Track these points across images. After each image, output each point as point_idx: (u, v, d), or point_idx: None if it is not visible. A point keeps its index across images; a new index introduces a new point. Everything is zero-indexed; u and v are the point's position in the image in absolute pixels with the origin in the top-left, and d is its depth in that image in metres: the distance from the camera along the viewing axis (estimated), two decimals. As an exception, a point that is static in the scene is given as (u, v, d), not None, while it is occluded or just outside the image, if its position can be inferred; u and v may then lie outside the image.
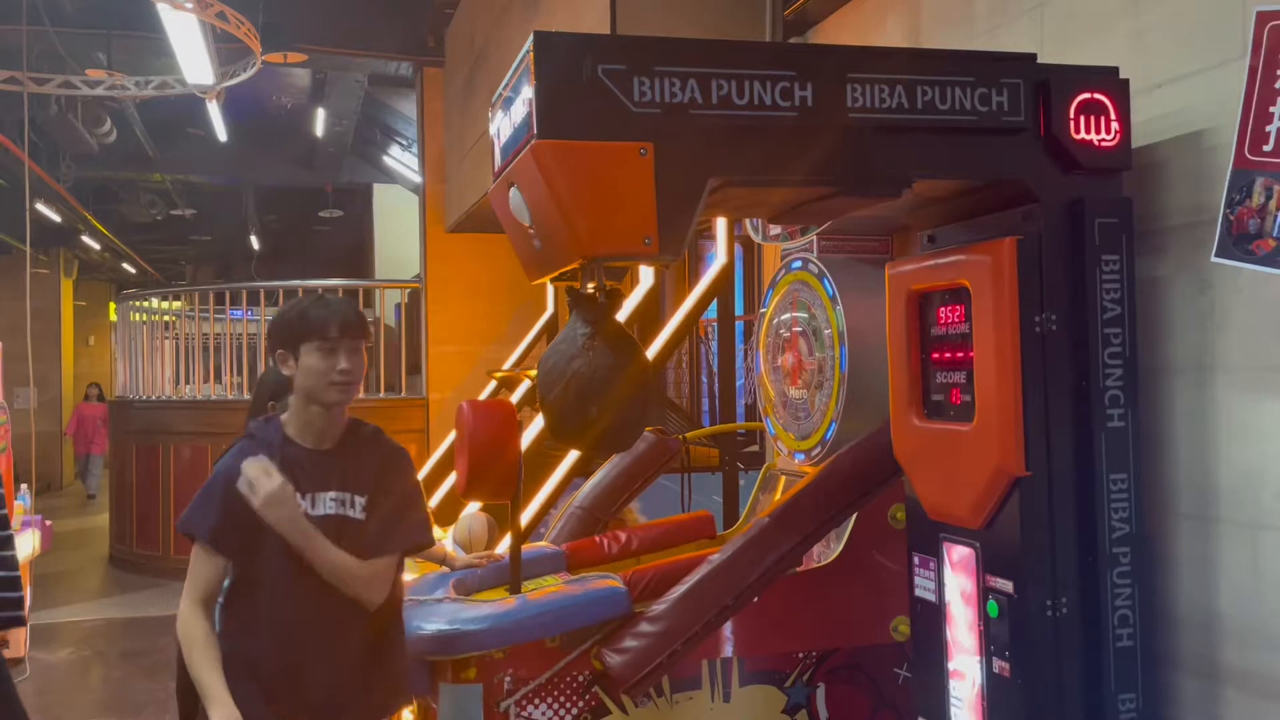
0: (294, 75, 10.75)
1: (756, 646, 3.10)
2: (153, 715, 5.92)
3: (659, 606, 2.93)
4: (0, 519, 3.06)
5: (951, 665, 2.64)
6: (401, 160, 12.90)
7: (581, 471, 4.47)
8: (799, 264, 3.60)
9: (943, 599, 2.66)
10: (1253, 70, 2.27)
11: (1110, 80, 2.51)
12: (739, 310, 6.39)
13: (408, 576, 3.69)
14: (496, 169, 2.67)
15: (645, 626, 2.89)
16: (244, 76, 8.29)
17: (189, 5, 6.58)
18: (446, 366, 8.67)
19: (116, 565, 10.57)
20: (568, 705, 2.94)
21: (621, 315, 3.21)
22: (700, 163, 2.32)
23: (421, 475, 6.23)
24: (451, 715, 2.91)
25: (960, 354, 2.57)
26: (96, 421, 15.69)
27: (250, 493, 2.46)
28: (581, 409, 2.43)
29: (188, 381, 10.48)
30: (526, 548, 3.67)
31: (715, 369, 6.62)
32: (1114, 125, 2.48)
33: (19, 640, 6.53)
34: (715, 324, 6.37)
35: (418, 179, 9.54)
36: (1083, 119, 2.46)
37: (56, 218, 14.03)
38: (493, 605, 3.07)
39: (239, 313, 10.06)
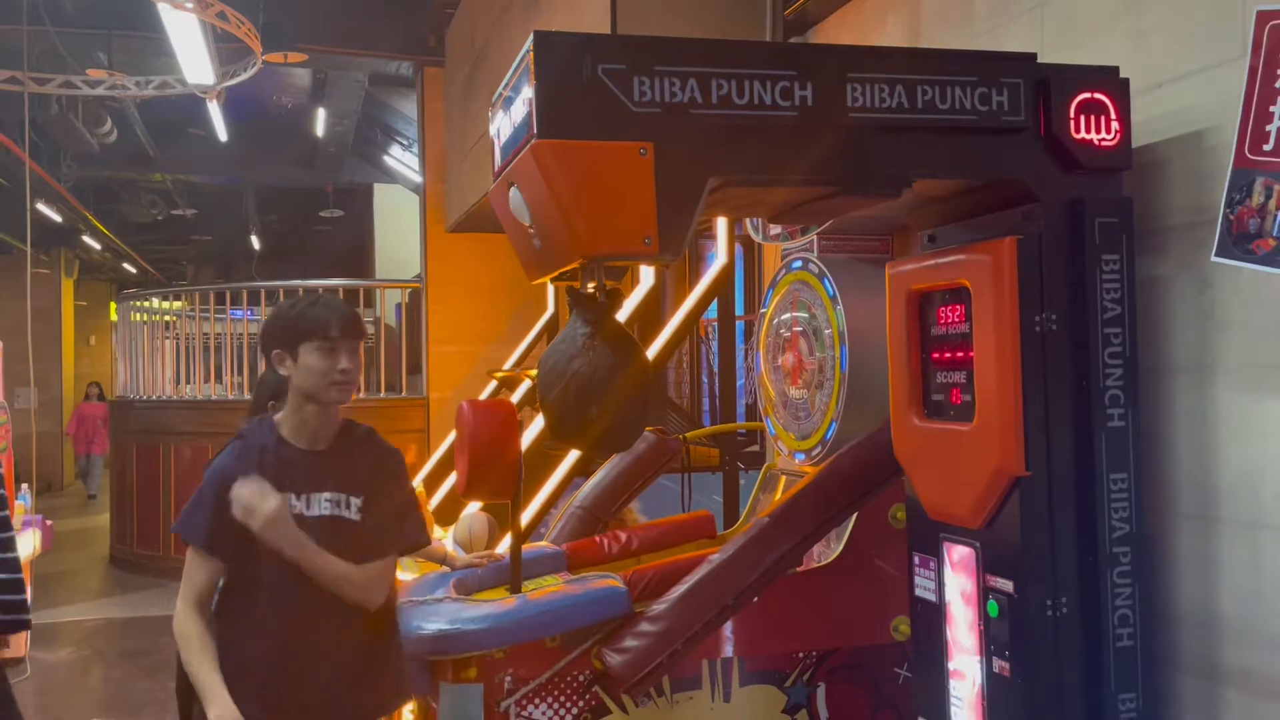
0: (294, 75, 10.76)
1: (757, 646, 3.10)
2: (153, 715, 5.93)
3: (659, 606, 2.93)
4: (2, 520, 3.03)
5: (952, 665, 2.64)
6: (402, 160, 12.90)
7: (582, 471, 4.47)
8: (799, 264, 3.60)
9: (943, 599, 2.66)
10: (1253, 70, 2.26)
11: (1110, 80, 2.51)
12: (739, 310, 6.39)
13: (408, 576, 3.70)
14: (496, 169, 2.67)
15: (645, 626, 2.89)
16: (244, 76, 8.30)
17: (189, 5, 6.58)
18: (447, 366, 8.67)
19: (117, 565, 10.57)
20: (568, 705, 2.94)
21: (622, 315, 3.22)
22: (700, 162, 2.32)
23: (422, 475, 6.25)
24: (452, 715, 2.91)
25: (960, 354, 2.57)
26: (97, 421, 15.70)
27: (248, 517, 2.46)
28: (581, 409, 2.43)
29: (188, 381, 10.49)
30: (527, 547, 3.67)
31: (716, 369, 6.62)
32: (1114, 125, 2.48)
33: (19, 640, 6.52)
34: (716, 324, 6.37)
35: (418, 179, 9.54)
36: (1083, 118, 2.46)
37: (57, 218, 14.05)
38: (493, 605, 3.07)
39: (239, 313, 10.07)
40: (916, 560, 2.77)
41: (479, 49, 7.15)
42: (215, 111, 10.37)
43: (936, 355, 2.67)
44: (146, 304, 11.28)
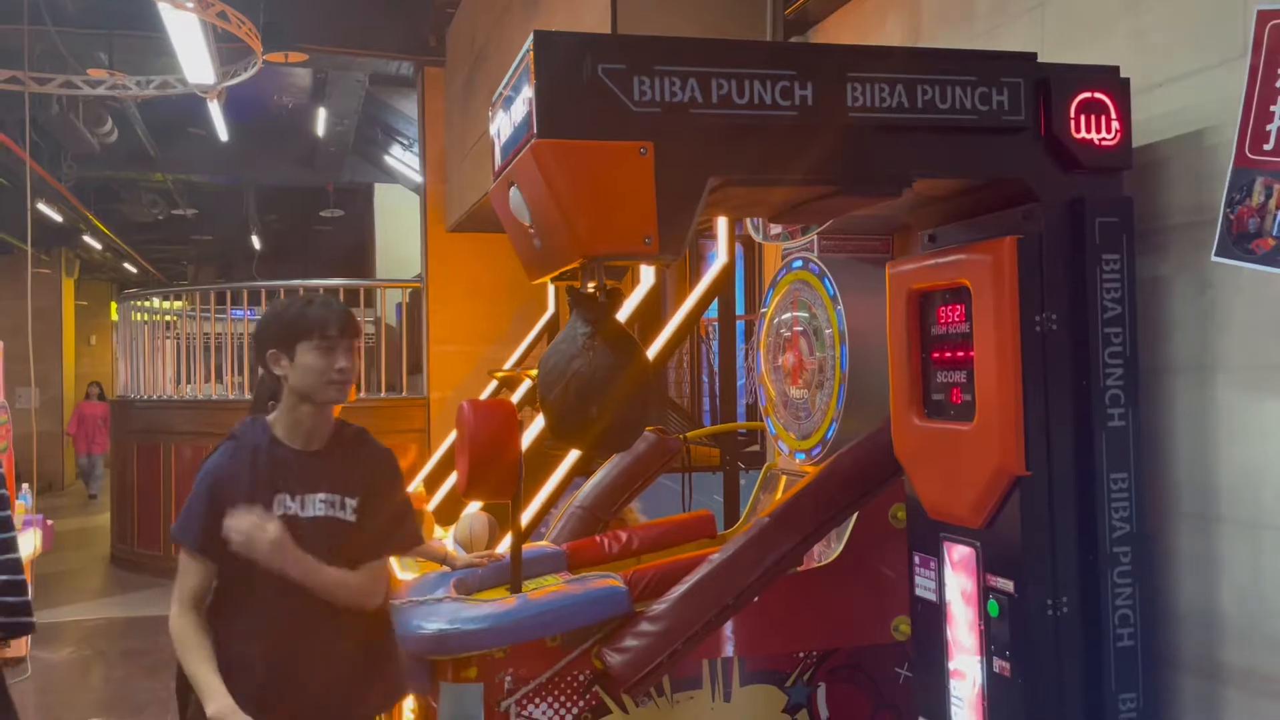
0: (295, 75, 10.76)
1: (757, 646, 3.10)
2: (154, 715, 5.93)
3: (659, 606, 2.93)
4: (4, 519, 3.00)
5: (952, 665, 2.64)
6: (402, 160, 12.90)
7: (582, 471, 4.47)
8: (800, 263, 3.60)
9: (943, 598, 2.66)
10: (1253, 69, 2.26)
11: (1111, 79, 2.51)
12: (740, 310, 6.39)
13: (408, 576, 3.70)
14: (497, 168, 2.67)
15: (646, 626, 2.89)
16: (245, 76, 8.30)
17: (190, 5, 6.58)
18: (447, 366, 8.67)
19: (118, 565, 10.58)
20: (568, 705, 2.94)
21: (623, 315, 3.21)
22: (700, 162, 2.32)
23: (422, 475, 6.25)
24: (452, 714, 2.91)
25: (961, 353, 2.57)
26: (97, 421, 15.69)
27: (249, 548, 2.45)
28: (582, 408, 2.43)
29: (189, 381, 10.49)
30: (527, 547, 3.67)
31: (716, 369, 6.62)
32: (1114, 124, 2.48)
33: (20, 640, 6.53)
34: (716, 323, 6.37)
35: (419, 178, 9.54)
36: (1083, 118, 2.46)
37: (58, 217, 14.05)
38: (493, 605, 3.07)
39: (240, 312, 10.07)
40: (917, 560, 2.77)
41: (479, 49, 7.15)
42: (216, 111, 10.37)
43: (937, 355, 2.67)
44: (147, 304, 11.28)
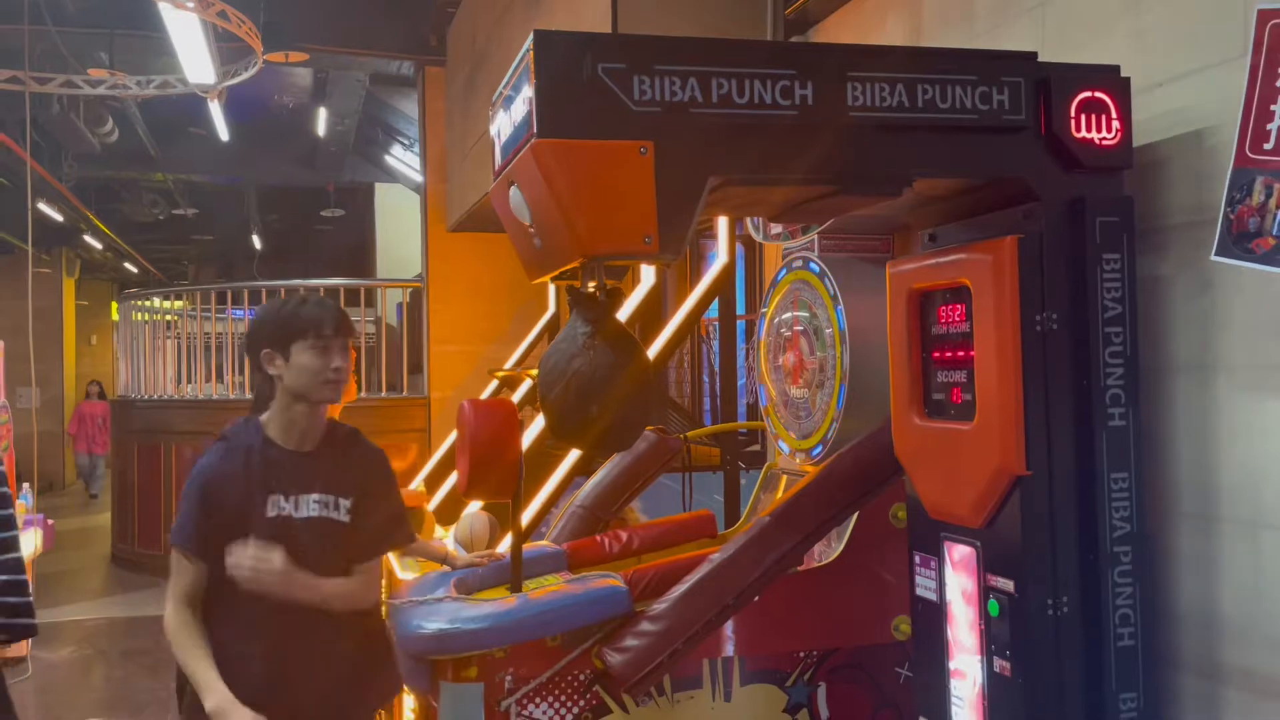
0: (295, 74, 10.76)
1: (757, 645, 3.10)
2: (154, 714, 5.93)
3: (660, 605, 2.93)
4: (6, 519, 2.98)
5: (952, 664, 2.64)
6: (403, 159, 12.91)
7: (582, 470, 4.47)
8: (800, 263, 3.60)
9: (944, 598, 2.66)
10: (1253, 69, 2.26)
11: (1111, 79, 2.50)
12: (740, 309, 6.39)
13: (409, 576, 3.70)
14: (497, 168, 2.67)
15: (646, 625, 2.89)
16: (245, 76, 8.30)
17: (190, 4, 6.58)
18: (448, 366, 8.67)
19: (118, 564, 10.58)
20: (569, 704, 2.94)
21: (623, 314, 3.21)
22: (700, 161, 2.32)
23: (423, 474, 6.24)
24: (452, 714, 2.91)
25: (961, 353, 2.57)
26: (97, 420, 15.68)
27: (257, 581, 2.45)
28: (582, 408, 2.43)
29: (189, 381, 10.49)
30: (527, 547, 3.67)
31: (717, 368, 6.62)
32: (1115, 124, 2.48)
33: (21, 640, 6.53)
34: (717, 323, 6.37)
35: (419, 178, 9.54)
36: (1084, 117, 2.46)
37: (59, 217, 14.06)
38: (494, 604, 3.07)
39: (240, 312, 10.07)
40: (917, 559, 2.77)
41: (480, 48, 7.15)
42: (216, 111, 10.37)
43: (937, 354, 2.67)
44: (148, 303, 11.28)
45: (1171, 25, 2.62)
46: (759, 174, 2.43)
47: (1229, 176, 2.30)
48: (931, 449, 2.67)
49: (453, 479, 5.02)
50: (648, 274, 4.83)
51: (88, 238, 16.48)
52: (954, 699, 2.63)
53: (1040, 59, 2.51)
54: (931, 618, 2.71)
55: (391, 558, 4.05)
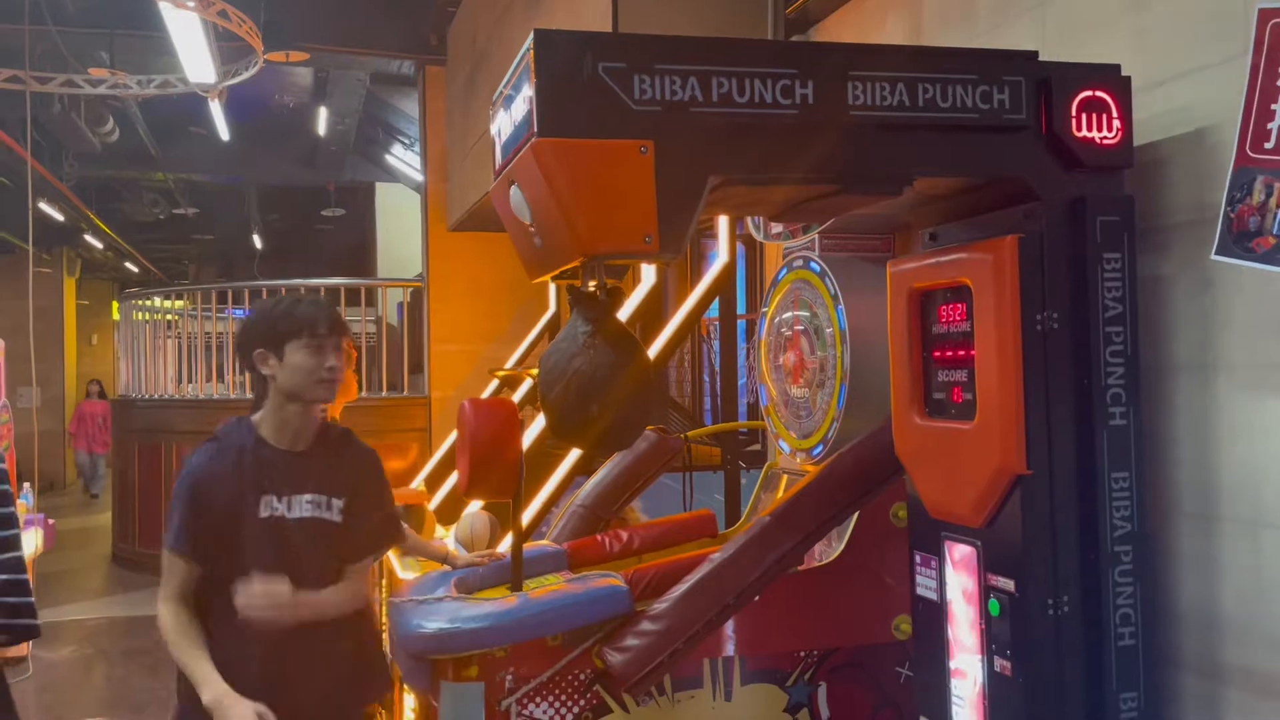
0: (296, 74, 10.76)
1: (758, 645, 3.10)
2: (155, 714, 5.93)
3: (660, 605, 2.92)
4: (6, 517, 2.94)
5: (953, 664, 2.64)
6: (404, 159, 12.91)
7: (583, 470, 4.47)
8: (801, 262, 3.60)
9: (944, 597, 2.66)
10: (1254, 68, 2.26)
11: (1112, 77, 2.50)
12: (741, 309, 6.39)
13: (409, 575, 3.70)
14: (497, 167, 2.67)
15: (647, 625, 2.89)
16: (246, 75, 8.30)
17: (191, 4, 6.58)
18: (449, 365, 8.67)
19: (119, 564, 10.59)
20: (569, 704, 2.94)
21: (624, 314, 3.21)
22: (701, 161, 2.32)
23: (423, 474, 6.25)
24: (453, 713, 2.91)
25: (962, 352, 2.57)
26: (97, 420, 15.66)
27: (269, 614, 2.44)
28: (582, 407, 2.43)
29: (190, 380, 10.50)
30: (528, 546, 3.67)
31: (717, 368, 6.62)
32: (1116, 123, 2.48)
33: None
34: (717, 323, 6.37)
35: (420, 178, 9.54)
36: (1084, 116, 2.46)
37: (59, 217, 14.07)
38: (494, 604, 3.07)
39: (241, 312, 10.07)
40: (918, 559, 2.77)
41: (480, 48, 7.14)
42: (217, 110, 10.38)
43: (938, 354, 2.67)
44: (148, 303, 11.29)
45: (1172, 24, 2.61)
46: (759, 173, 2.42)
47: (1229, 176, 2.30)
48: (932, 448, 2.67)
49: (453, 478, 5.02)
50: (648, 273, 4.83)
51: (88, 237, 16.49)
52: (954, 698, 2.63)
53: (1041, 58, 2.51)
54: (932, 617, 2.71)
55: (392, 557, 4.05)
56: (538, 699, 2.92)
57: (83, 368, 18.82)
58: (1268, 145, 2.23)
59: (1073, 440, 2.44)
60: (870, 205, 2.62)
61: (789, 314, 3.70)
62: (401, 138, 12.50)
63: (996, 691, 2.49)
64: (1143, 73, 2.59)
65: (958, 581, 2.61)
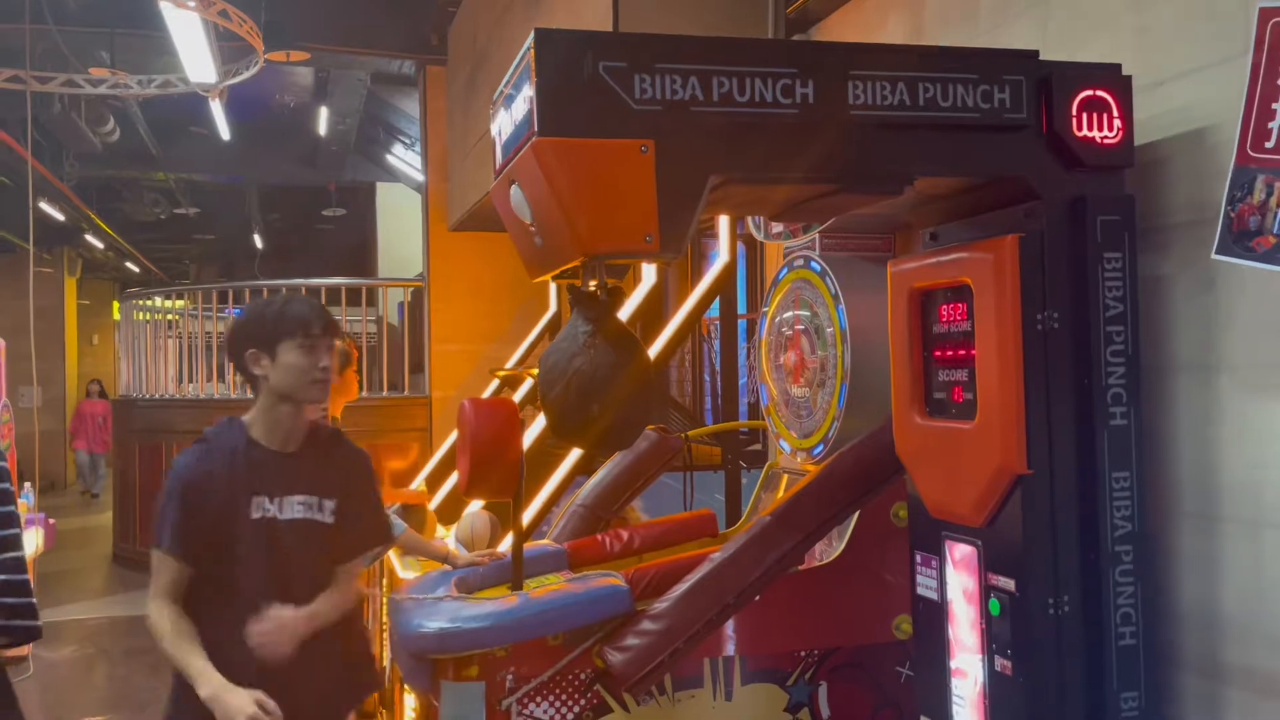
0: (297, 74, 10.77)
1: (758, 645, 3.10)
2: (156, 713, 5.88)
3: (661, 605, 2.92)
4: (10, 516, 2.91)
5: (953, 663, 2.64)
6: (404, 159, 12.91)
7: (584, 470, 4.47)
8: (801, 262, 3.60)
9: (945, 597, 2.66)
10: (1255, 67, 2.26)
11: (1113, 77, 2.50)
12: (741, 309, 6.39)
13: (410, 575, 3.70)
14: (498, 167, 2.67)
15: (647, 625, 2.89)
16: (247, 75, 8.30)
17: (192, 3, 6.58)
18: (449, 365, 8.67)
19: (120, 563, 10.59)
20: (569, 703, 2.94)
21: (624, 313, 3.21)
22: (701, 160, 2.31)
23: (424, 474, 6.25)
24: (453, 713, 2.91)
25: (962, 352, 2.57)
26: (98, 419, 15.65)
27: (280, 645, 2.44)
28: (583, 407, 2.43)
29: (191, 380, 10.50)
30: (528, 546, 3.67)
31: (718, 367, 6.62)
32: (1116, 122, 2.47)
33: (23, 638, 6.52)
34: (718, 322, 6.37)
35: (420, 177, 9.54)
36: (1085, 116, 2.46)
37: (60, 216, 14.07)
38: (495, 603, 3.07)
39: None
40: (918, 559, 2.77)
41: (481, 48, 7.14)
42: (218, 110, 10.38)
43: (938, 353, 2.67)
44: (149, 303, 11.29)
45: (1173, 24, 2.61)
46: (760, 173, 2.42)
47: (1230, 175, 2.30)
48: (933, 448, 2.67)
49: (454, 478, 5.02)
50: (649, 273, 4.83)
51: (89, 237, 16.49)
52: (955, 698, 2.63)
53: (1041, 57, 2.51)
54: (932, 617, 2.71)
55: (393, 556, 4.06)
56: (538, 698, 2.92)
57: (84, 367, 18.83)
58: (1268, 144, 2.23)
59: (1073, 440, 2.44)
60: (871, 205, 2.62)
61: (789, 313, 3.70)
62: (402, 137, 12.50)
63: (997, 691, 2.49)
64: (1143, 72, 2.59)
65: (958, 581, 2.61)
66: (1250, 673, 2.41)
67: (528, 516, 4.04)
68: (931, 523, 2.68)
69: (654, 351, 4.41)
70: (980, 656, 2.53)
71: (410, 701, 3.40)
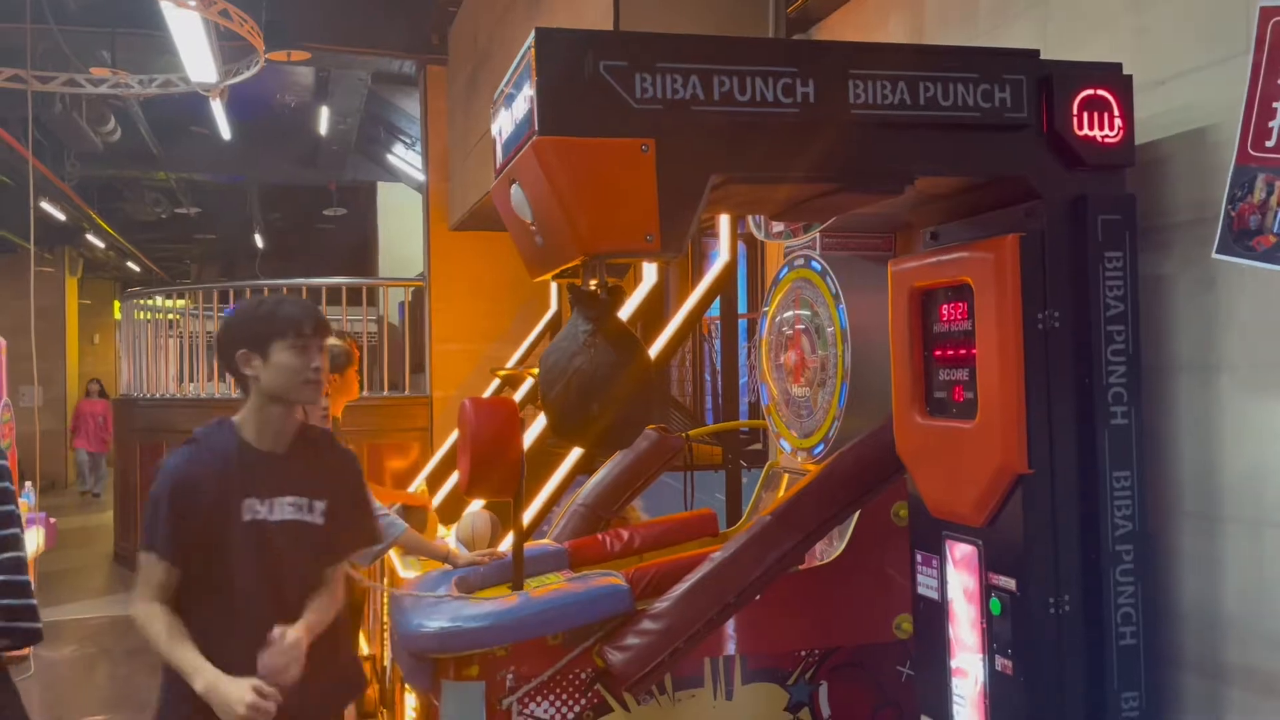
0: (297, 73, 10.77)
1: (759, 644, 3.10)
2: (157, 713, 5.92)
3: (661, 604, 2.92)
4: (11, 516, 2.89)
5: (954, 663, 2.64)
6: (405, 158, 12.91)
7: (584, 469, 4.47)
8: (802, 261, 3.60)
9: (945, 597, 2.66)
10: (1255, 66, 2.26)
11: (1113, 76, 2.50)
12: (742, 308, 6.39)
13: (410, 574, 3.71)
14: (498, 166, 2.67)
15: (647, 624, 2.89)
16: (248, 74, 8.30)
17: (192, 3, 6.58)
18: (450, 364, 8.67)
19: (121, 563, 10.59)
20: (570, 703, 2.94)
21: (625, 313, 3.21)
22: (702, 159, 2.31)
23: (425, 473, 6.25)
24: (454, 713, 2.91)
25: (963, 351, 2.57)
26: (98, 419, 15.64)
27: (290, 670, 2.42)
28: (583, 406, 2.43)
29: (192, 380, 10.50)
30: (529, 545, 3.67)
31: (718, 367, 6.62)
32: (1117, 121, 2.47)
33: (24, 638, 6.52)
34: (718, 322, 6.37)
35: (421, 177, 9.54)
36: (1086, 115, 2.46)
37: (61, 216, 14.07)
38: (495, 603, 3.07)
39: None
40: (919, 558, 2.77)
41: (482, 47, 7.14)
42: (218, 110, 10.38)
43: (939, 353, 2.66)
44: (150, 302, 11.29)
45: (1173, 23, 2.61)
46: (761, 172, 2.42)
47: (1230, 174, 2.30)
48: (933, 447, 2.67)
49: (454, 478, 5.02)
50: (649, 272, 4.83)
51: (90, 237, 16.50)
52: (955, 698, 2.63)
53: (1042, 57, 2.51)
54: (933, 616, 2.71)
55: (393, 556, 4.06)
56: (539, 698, 2.92)
57: (84, 367, 18.84)
58: (1269, 143, 2.23)
59: (1074, 439, 2.44)
60: (871, 204, 2.62)
61: (790, 313, 3.70)
62: (403, 137, 12.50)
63: (998, 691, 2.49)
64: (1144, 71, 2.59)
65: (959, 580, 2.61)
66: (1251, 672, 2.41)
67: (528, 516, 4.04)
68: (932, 522, 2.68)
69: (654, 351, 4.41)
70: (981, 656, 2.53)
71: (411, 701, 3.40)
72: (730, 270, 4.70)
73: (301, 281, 9.66)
